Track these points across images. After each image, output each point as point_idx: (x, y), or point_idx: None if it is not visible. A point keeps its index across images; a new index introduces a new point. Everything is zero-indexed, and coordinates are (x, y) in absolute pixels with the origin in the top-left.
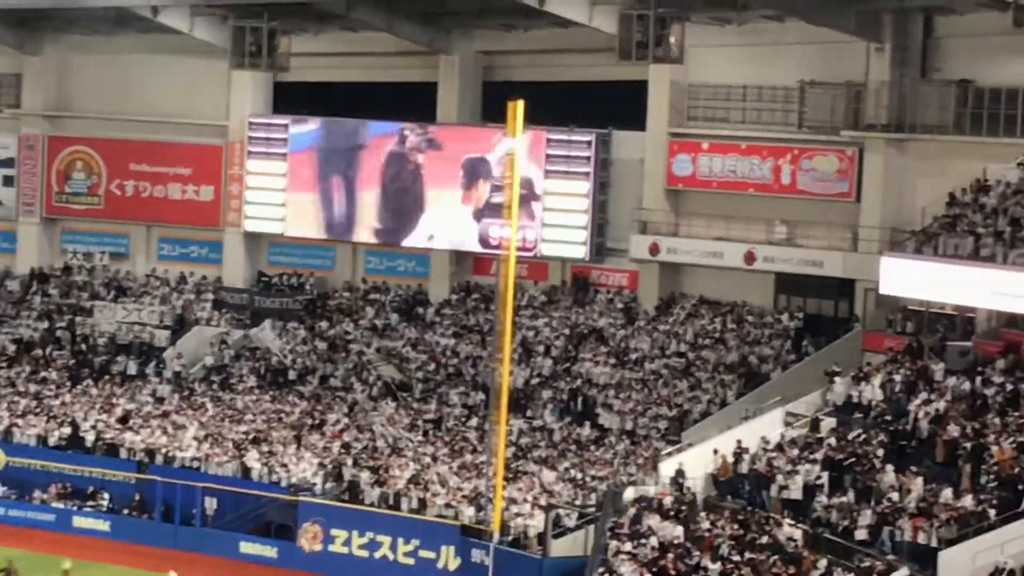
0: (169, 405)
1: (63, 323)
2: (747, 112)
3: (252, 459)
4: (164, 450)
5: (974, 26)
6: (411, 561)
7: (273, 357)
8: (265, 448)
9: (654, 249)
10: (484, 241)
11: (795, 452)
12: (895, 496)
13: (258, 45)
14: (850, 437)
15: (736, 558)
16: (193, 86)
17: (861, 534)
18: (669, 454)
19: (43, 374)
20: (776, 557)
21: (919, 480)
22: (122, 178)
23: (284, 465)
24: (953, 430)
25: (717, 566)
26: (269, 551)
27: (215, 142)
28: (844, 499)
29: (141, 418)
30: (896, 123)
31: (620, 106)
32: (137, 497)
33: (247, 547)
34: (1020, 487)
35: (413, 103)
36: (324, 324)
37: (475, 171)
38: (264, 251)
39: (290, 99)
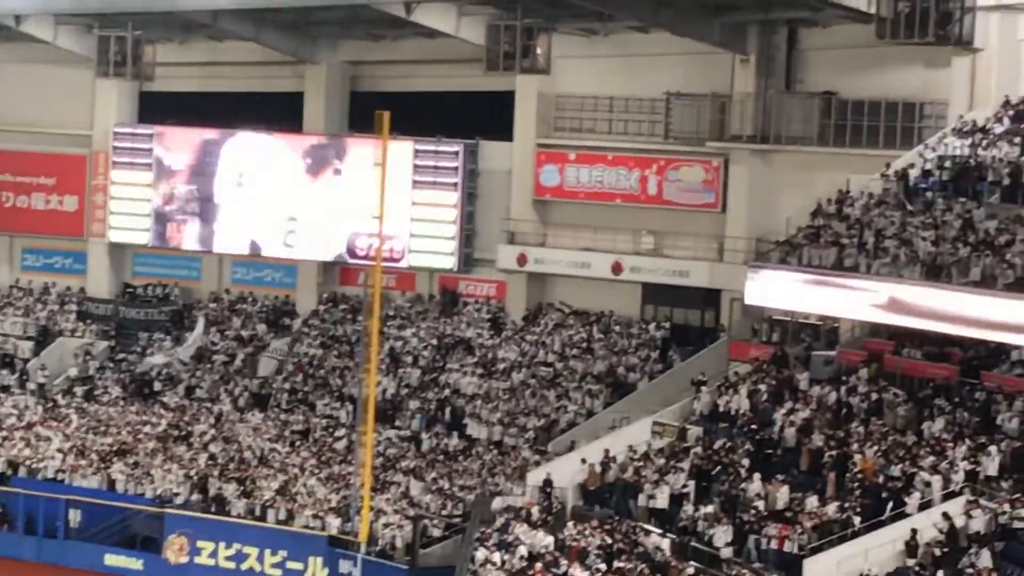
0: (33, 417)
1: None
2: (614, 123)
3: (117, 471)
4: (27, 462)
5: (838, 38)
6: (278, 572)
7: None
8: (131, 460)
9: (522, 260)
10: (351, 251)
11: (662, 461)
12: (760, 505)
13: (123, 54)
14: (716, 446)
15: (604, 567)
16: (57, 95)
17: (725, 543)
18: (537, 464)
19: None
20: (644, 566)
21: (785, 488)
22: None
23: (150, 476)
24: (818, 439)
25: (585, 575)
26: (135, 563)
27: (79, 152)
28: (710, 508)
29: (4, 430)
30: (761, 134)
31: (487, 116)
32: None
33: (112, 559)
34: (884, 495)
35: (281, 113)
36: (189, 335)
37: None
38: (129, 261)
39: (157, 109)
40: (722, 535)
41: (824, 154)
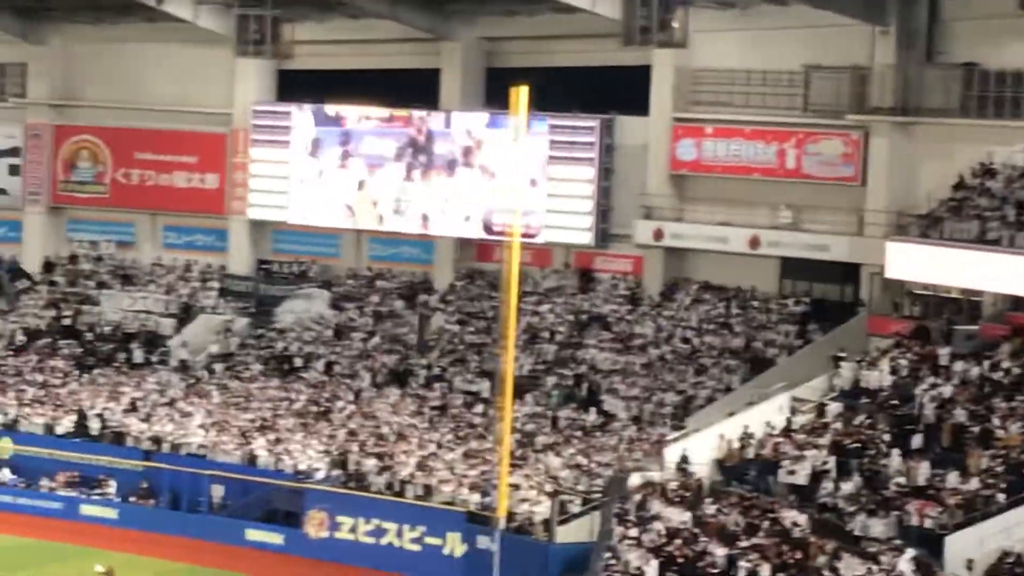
0: (175, 393)
1: (70, 312)
2: (751, 96)
3: (258, 447)
4: (171, 438)
5: (980, 8)
6: (417, 548)
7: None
8: (271, 436)
9: (658, 235)
10: (488, 227)
11: (801, 437)
12: (901, 481)
13: (262, 33)
14: (856, 422)
15: (743, 543)
16: (197, 74)
17: (867, 519)
18: (674, 440)
19: (50, 363)
20: (782, 542)
21: (925, 464)
22: (127, 167)
23: (290, 452)
24: (960, 414)
25: (723, 551)
26: (276, 538)
27: (220, 130)
28: (850, 484)
29: (148, 406)
30: (901, 106)
31: (624, 91)
32: (144, 485)
33: (254, 534)
34: None
35: (416, 90)
36: (330, 312)
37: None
38: (268, 238)
39: (294, 87)
40: (869, 506)
41: (965, 126)
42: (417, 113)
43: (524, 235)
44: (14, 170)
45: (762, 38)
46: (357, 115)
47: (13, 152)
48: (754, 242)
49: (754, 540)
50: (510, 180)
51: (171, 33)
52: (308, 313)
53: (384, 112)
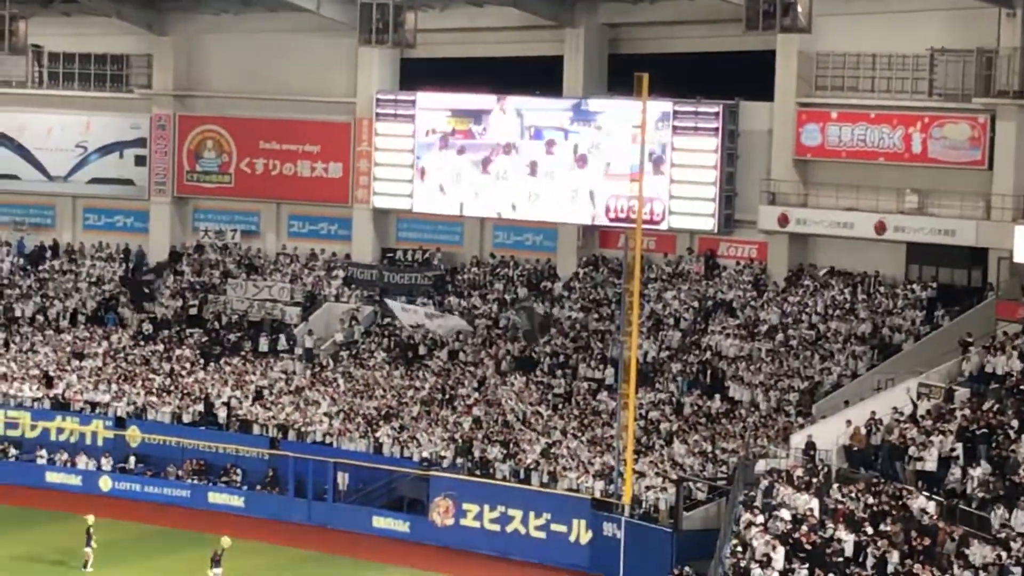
0: (301, 381)
1: (196, 301)
2: (876, 80)
3: (383, 434)
4: (296, 426)
5: None
6: (543, 535)
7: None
8: (396, 423)
9: (783, 220)
10: (611, 214)
11: (929, 423)
12: None
13: (384, 21)
14: (984, 408)
15: (870, 530)
16: (321, 64)
17: (996, 505)
18: (800, 426)
19: (177, 352)
20: (911, 529)
21: None
22: (252, 156)
23: (415, 440)
24: None
25: (851, 538)
26: (401, 525)
27: (343, 119)
28: (978, 470)
29: (273, 394)
30: None
31: (747, 76)
32: (270, 473)
33: (380, 522)
34: None
35: (539, 77)
36: (454, 299)
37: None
38: (392, 227)
39: (417, 75)
40: (998, 493)
41: None
42: (540, 100)
43: (647, 221)
44: (140, 161)
45: (887, 21)
46: (478, 103)
47: (139, 143)
48: (880, 227)
49: (882, 527)
50: (634, 167)
51: (294, 22)
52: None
53: (507, 99)
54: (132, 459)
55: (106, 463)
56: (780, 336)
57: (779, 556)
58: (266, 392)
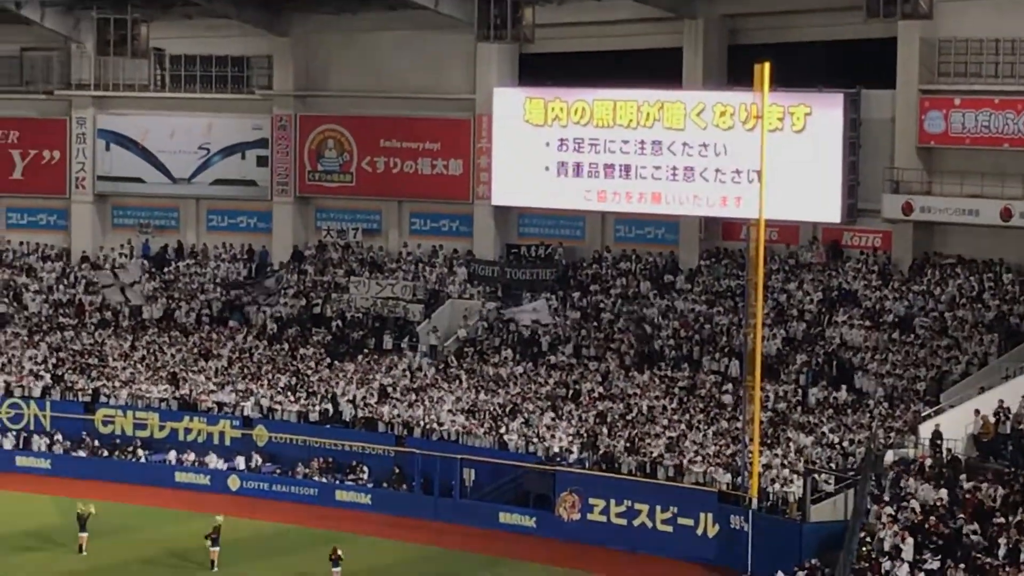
0: (425, 378)
1: (319, 300)
2: (1000, 66)
3: (509, 430)
4: (422, 423)
5: None
6: (669, 528)
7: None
8: (521, 419)
9: (907, 208)
10: (734, 205)
11: None
12: None
13: (502, 17)
14: None
15: (1001, 520)
16: (439, 61)
17: None
18: (928, 416)
19: (302, 351)
20: None
21: None
22: (373, 155)
23: (540, 435)
24: None
25: (981, 528)
26: (528, 521)
27: (462, 116)
28: None
29: (398, 392)
30: None
31: (868, 64)
32: (396, 470)
33: (506, 517)
34: None
35: (658, 70)
36: (576, 294)
37: None
38: (514, 222)
39: (535, 70)
40: None
41: None
42: (660, 93)
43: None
44: (262, 161)
45: (1009, 6)
46: (598, 96)
47: (261, 143)
48: (1006, 213)
49: (1013, 518)
50: (756, 157)
51: (412, 20)
52: (537, 320)
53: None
54: (258, 458)
55: (240, 461)
56: (906, 326)
57: (908, 547)
58: (391, 389)
